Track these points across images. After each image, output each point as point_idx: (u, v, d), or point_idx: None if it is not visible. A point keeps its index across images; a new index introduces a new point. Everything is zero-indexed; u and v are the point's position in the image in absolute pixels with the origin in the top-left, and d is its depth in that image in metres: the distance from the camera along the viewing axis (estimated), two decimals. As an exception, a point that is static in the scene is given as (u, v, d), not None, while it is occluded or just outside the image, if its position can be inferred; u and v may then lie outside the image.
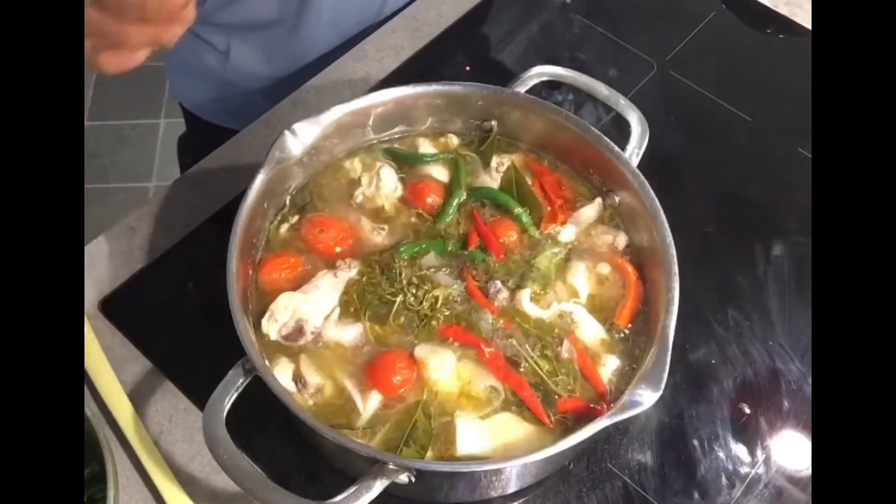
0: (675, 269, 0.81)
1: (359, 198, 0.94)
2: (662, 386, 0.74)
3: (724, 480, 0.87)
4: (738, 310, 0.98)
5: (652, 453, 0.88)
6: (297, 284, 0.87)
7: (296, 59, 1.21)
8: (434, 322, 0.84)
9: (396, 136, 0.99)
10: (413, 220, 0.93)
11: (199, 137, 1.36)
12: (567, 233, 0.92)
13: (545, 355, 0.83)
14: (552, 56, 1.20)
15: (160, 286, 0.97)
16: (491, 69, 1.19)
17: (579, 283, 0.89)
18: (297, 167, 0.91)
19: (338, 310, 0.86)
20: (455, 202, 0.93)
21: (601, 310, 0.88)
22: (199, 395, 0.86)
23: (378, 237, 0.91)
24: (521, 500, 0.86)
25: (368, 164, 0.97)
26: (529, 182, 0.95)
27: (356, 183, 0.95)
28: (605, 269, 0.90)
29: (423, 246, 0.90)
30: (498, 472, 0.80)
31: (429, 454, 0.78)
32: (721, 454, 0.89)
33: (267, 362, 0.80)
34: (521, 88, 0.96)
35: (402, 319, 0.85)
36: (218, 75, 1.24)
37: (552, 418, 0.80)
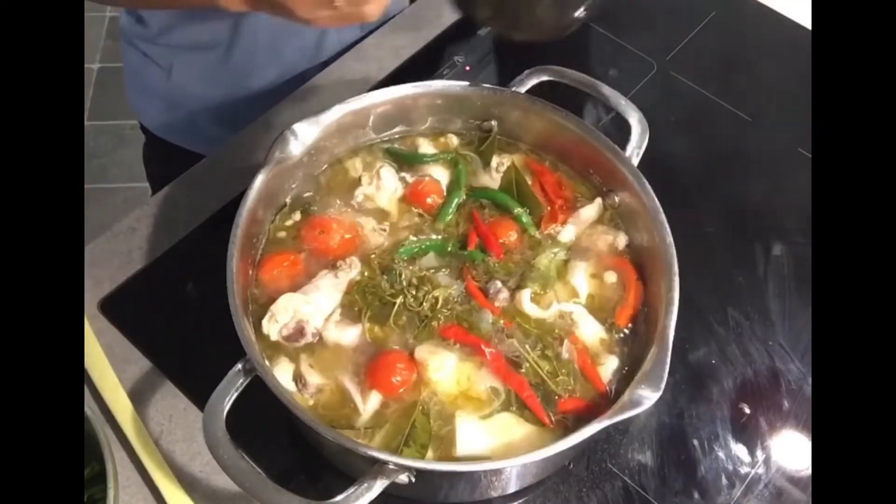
0: (675, 269, 0.81)
1: (359, 198, 0.94)
2: (662, 386, 0.74)
3: (724, 480, 0.87)
4: (738, 310, 0.98)
5: (652, 453, 0.88)
6: (297, 284, 0.87)
7: (233, 84, 1.20)
8: (434, 323, 0.84)
9: (396, 136, 0.99)
10: (413, 220, 0.93)
11: (155, 152, 1.36)
12: (567, 233, 0.92)
13: (546, 356, 0.83)
14: (552, 56, 1.20)
15: (160, 286, 0.97)
16: (491, 69, 1.19)
17: (579, 283, 0.89)
18: (297, 167, 0.91)
19: (338, 311, 0.86)
20: (455, 202, 0.93)
21: (601, 310, 0.88)
22: (199, 395, 0.86)
23: (378, 237, 0.91)
24: (521, 500, 0.86)
25: (368, 163, 0.97)
26: (529, 182, 0.95)
27: (356, 183, 0.95)
28: (604, 269, 0.90)
29: (423, 247, 0.90)
30: (498, 472, 0.80)
31: (429, 454, 0.78)
32: (721, 454, 0.89)
33: (267, 362, 0.80)
34: (521, 88, 0.96)
35: (403, 320, 0.85)
36: (163, 92, 1.24)
37: (552, 418, 0.80)
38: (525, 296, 0.86)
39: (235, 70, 1.18)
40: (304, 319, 0.84)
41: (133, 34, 1.21)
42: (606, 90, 0.96)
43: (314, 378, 0.82)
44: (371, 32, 1.21)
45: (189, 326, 0.94)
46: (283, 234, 0.91)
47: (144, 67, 1.22)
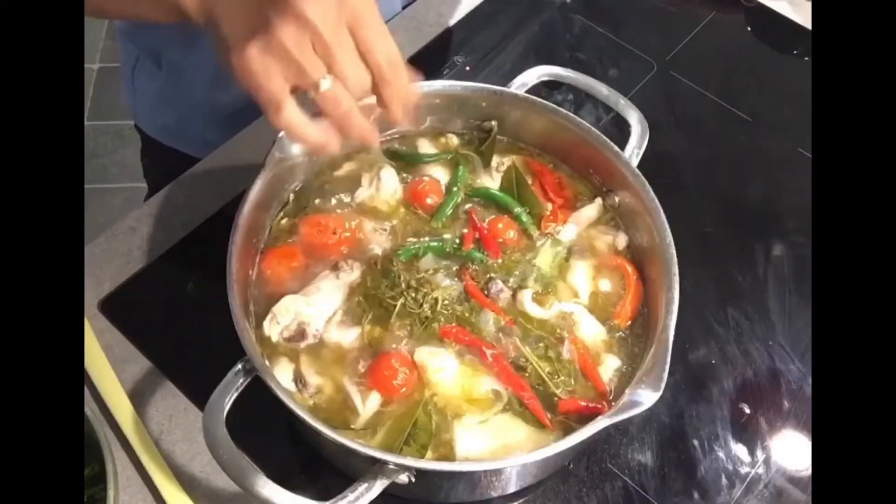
0: (675, 269, 0.81)
1: (359, 198, 0.94)
2: (662, 386, 0.74)
3: (724, 480, 0.87)
4: (738, 310, 0.98)
5: (652, 453, 0.88)
6: (297, 284, 0.87)
7: (223, 88, 1.17)
8: (435, 324, 0.84)
9: (396, 135, 0.99)
10: (413, 220, 0.93)
11: (151, 153, 1.36)
12: (567, 233, 0.92)
13: (547, 356, 0.83)
14: (552, 56, 1.20)
15: (160, 286, 0.97)
16: (491, 69, 1.19)
17: (580, 283, 0.89)
18: (297, 167, 0.91)
19: (339, 312, 0.86)
20: (452, 202, 0.93)
21: (601, 310, 0.88)
22: (199, 395, 0.86)
23: (379, 238, 0.91)
24: (521, 500, 0.86)
25: (369, 164, 0.97)
26: (529, 182, 0.95)
27: (356, 183, 0.95)
28: (605, 269, 0.90)
29: (422, 248, 0.90)
30: (498, 472, 0.80)
31: (429, 454, 0.78)
32: (721, 454, 0.89)
33: (267, 363, 0.80)
34: (521, 88, 0.96)
35: (404, 322, 0.85)
36: (157, 94, 1.23)
37: (552, 419, 0.80)
38: (527, 296, 0.86)
39: (224, 75, 1.16)
40: (306, 321, 0.84)
41: (130, 32, 1.20)
42: (606, 90, 0.96)
43: (314, 378, 0.82)
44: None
45: (189, 326, 0.94)
46: (283, 233, 0.91)
47: (139, 67, 1.22)
